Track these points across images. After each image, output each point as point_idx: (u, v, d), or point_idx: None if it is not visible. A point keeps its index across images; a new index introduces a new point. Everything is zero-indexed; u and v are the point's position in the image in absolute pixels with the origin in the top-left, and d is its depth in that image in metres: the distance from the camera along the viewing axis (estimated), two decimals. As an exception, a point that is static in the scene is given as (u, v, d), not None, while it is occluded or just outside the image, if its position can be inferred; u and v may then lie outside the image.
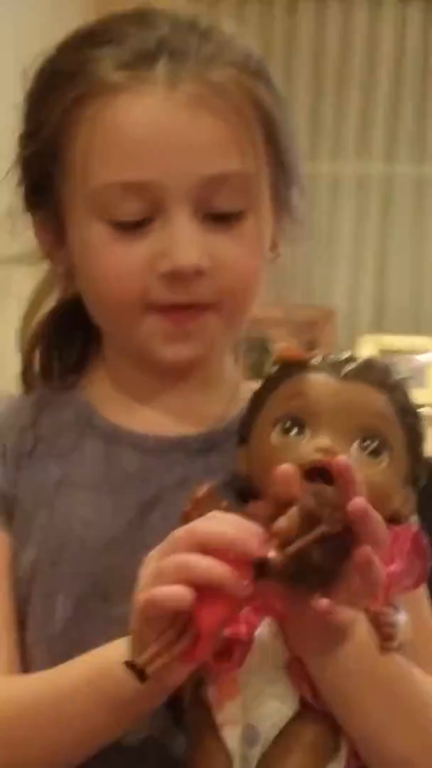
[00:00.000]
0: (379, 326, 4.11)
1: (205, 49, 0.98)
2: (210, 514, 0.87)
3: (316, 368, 0.97)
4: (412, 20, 4.10)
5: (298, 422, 0.95)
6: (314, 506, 0.85)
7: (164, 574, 0.85)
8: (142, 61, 0.96)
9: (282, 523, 0.85)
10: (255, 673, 0.92)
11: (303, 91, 4.15)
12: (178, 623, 0.84)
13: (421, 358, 3.97)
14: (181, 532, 0.87)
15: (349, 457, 0.91)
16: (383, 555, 0.90)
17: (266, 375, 1.01)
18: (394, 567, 0.93)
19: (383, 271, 4.14)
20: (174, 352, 1.01)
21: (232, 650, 0.91)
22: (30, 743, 0.96)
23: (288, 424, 0.95)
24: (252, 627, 0.92)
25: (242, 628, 0.91)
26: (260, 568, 0.84)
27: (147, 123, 0.96)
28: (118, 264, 0.98)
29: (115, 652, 0.90)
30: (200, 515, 0.88)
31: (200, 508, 0.89)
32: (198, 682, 0.94)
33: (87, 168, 0.98)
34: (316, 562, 0.84)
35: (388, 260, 4.14)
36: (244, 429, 1.00)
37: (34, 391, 1.13)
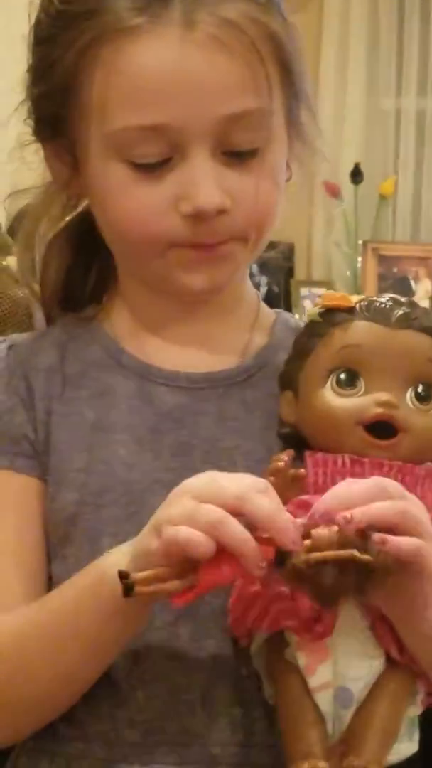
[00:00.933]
0: None
1: None
2: (264, 488, 0.87)
3: (364, 315, 0.97)
4: None
5: (352, 373, 0.96)
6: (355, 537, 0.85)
7: (198, 520, 0.85)
8: (157, 1, 0.94)
9: (323, 531, 0.85)
10: (343, 635, 0.93)
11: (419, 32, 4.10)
12: (186, 564, 0.86)
13: None
14: (231, 493, 0.86)
15: (405, 407, 0.94)
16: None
17: (310, 321, 1.00)
18: None
19: None
20: (197, 280, 1.01)
21: (320, 617, 0.91)
22: (43, 661, 0.98)
23: (342, 376, 0.96)
24: None
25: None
26: (281, 557, 0.85)
27: (164, 66, 0.94)
28: (139, 206, 0.98)
29: (111, 559, 0.92)
30: (281, 484, 0.89)
31: (280, 477, 0.90)
32: (281, 643, 0.94)
33: (105, 111, 0.96)
34: (328, 580, 0.85)
35: None
36: (289, 376, 1.00)
37: (54, 324, 1.12)
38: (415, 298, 3.92)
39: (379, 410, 0.94)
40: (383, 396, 0.95)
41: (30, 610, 0.99)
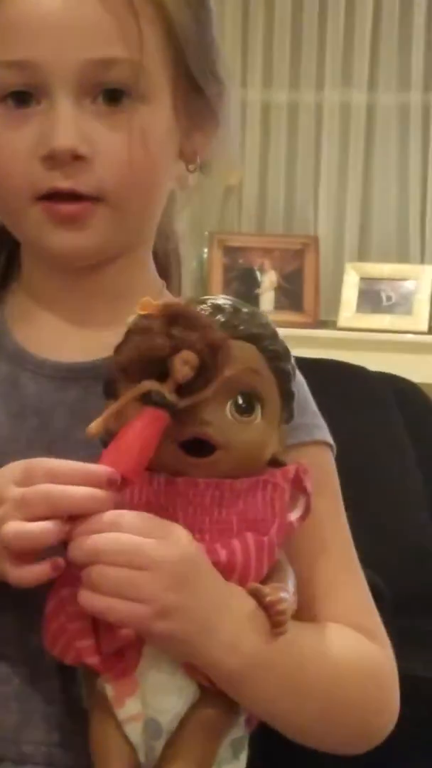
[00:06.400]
0: (363, 254, 4.06)
1: None
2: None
3: None
4: None
5: None
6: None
7: (28, 502, 0.87)
8: None
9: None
10: (151, 668, 0.91)
11: (285, 22, 4.08)
12: None
13: (407, 286, 3.95)
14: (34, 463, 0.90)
15: (223, 422, 0.91)
16: (263, 518, 0.92)
17: (128, 329, 0.94)
18: (276, 528, 0.92)
19: (367, 199, 4.08)
20: (62, 239, 0.99)
21: (125, 651, 0.90)
22: None
23: None
24: None
25: (131, 631, 0.89)
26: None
27: (33, 5, 0.96)
28: (4, 148, 0.98)
29: None
30: None
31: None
32: (93, 671, 0.92)
33: None
34: None
35: (372, 188, 4.07)
36: (110, 386, 0.94)
37: None
38: (261, 289, 4.00)
39: (193, 428, 0.90)
40: (199, 414, 0.90)
41: None
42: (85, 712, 0.94)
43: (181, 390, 0.87)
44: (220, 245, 4.05)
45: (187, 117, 1.03)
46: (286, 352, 0.96)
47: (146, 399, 0.87)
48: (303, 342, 3.11)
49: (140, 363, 0.88)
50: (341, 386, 2.36)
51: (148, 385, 0.87)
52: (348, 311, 3.97)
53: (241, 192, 4.11)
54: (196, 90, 1.03)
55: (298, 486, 0.95)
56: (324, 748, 1.01)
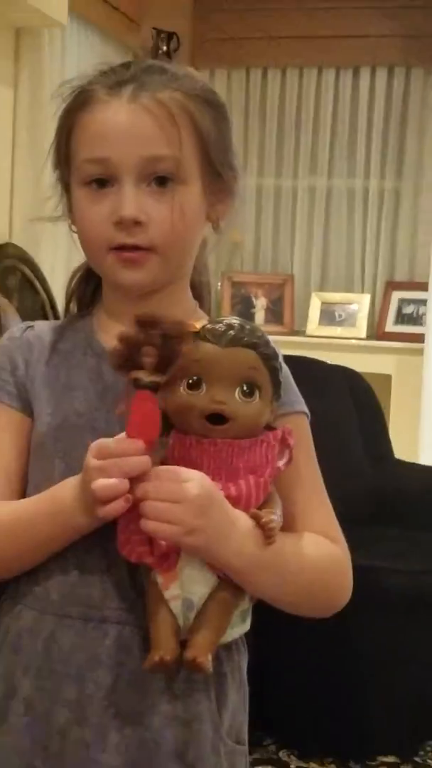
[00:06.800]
0: (324, 286, 4.03)
1: (161, 80, 0.98)
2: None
3: (205, 338, 0.92)
4: (345, 89, 3.98)
5: (197, 379, 0.91)
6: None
7: (105, 469, 0.88)
8: (119, 85, 0.98)
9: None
10: (186, 565, 0.91)
11: (272, 132, 4.04)
12: None
13: (353, 307, 3.94)
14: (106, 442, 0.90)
15: (234, 402, 0.91)
16: (260, 465, 0.91)
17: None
18: (269, 471, 0.92)
19: (326, 251, 4.04)
20: (128, 276, 0.99)
21: (169, 554, 0.90)
22: (6, 549, 0.99)
23: (191, 381, 0.91)
24: None
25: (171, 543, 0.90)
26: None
27: (110, 121, 0.97)
28: (91, 218, 0.99)
29: (67, 492, 0.94)
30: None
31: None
32: (148, 568, 0.92)
33: (77, 151, 0.99)
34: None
35: (330, 244, 4.04)
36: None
37: (64, 317, 1.11)
38: (255, 310, 3.98)
39: (213, 406, 0.90)
40: (216, 395, 0.91)
41: (15, 508, 0.99)
42: (145, 590, 0.94)
43: (160, 370, 0.87)
44: (228, 281, 4.02)
45: (211, 194, 1.01)
46: (275, 354, 0.95)
47: (138, 384, 0.87)
48: (282, 345, 3.06)
49: (119, 360, 0.88)
50: (308, 375, 2.36)
51: (134, 374, 0.87)
52: (313, 324, 3.95)
53: (242, 246, 4.08)
54: (217, 176, 1.01)
55: (284, 442, 0.94)
56: (303, 613, 1.00)
